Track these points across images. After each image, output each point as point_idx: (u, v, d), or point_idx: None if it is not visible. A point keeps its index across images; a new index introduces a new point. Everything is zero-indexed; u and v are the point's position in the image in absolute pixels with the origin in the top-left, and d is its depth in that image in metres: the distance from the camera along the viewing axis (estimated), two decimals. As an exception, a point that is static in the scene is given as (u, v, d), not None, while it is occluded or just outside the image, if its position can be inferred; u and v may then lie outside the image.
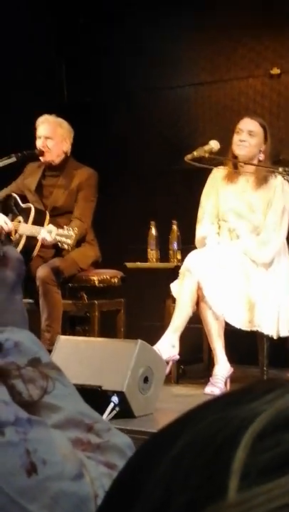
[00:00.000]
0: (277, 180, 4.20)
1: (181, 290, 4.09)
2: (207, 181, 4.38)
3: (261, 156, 4.25)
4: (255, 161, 4.24)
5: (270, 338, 4.09)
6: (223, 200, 4.29)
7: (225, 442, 0.32)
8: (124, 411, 3.33)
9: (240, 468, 0.30)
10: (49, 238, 4.32)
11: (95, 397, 3.30)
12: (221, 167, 4.35)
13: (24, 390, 0.86)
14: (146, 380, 3.46)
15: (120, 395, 3.33)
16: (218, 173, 4.34)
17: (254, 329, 4.04)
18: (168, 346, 4.03)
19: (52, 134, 4.74)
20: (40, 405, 0.87)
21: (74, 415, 0.87)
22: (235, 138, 4.23)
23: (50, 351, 3.87)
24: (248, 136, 4.21)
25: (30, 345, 0.94)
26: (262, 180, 4.22)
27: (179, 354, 4.08)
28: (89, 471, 0.80)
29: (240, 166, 4.28)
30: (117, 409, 3.31)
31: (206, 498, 0.30)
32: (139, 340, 3.49)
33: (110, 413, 3.28)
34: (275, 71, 5.11)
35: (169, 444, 0.34)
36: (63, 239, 4.29)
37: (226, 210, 4.28)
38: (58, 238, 4.30)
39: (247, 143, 4.21)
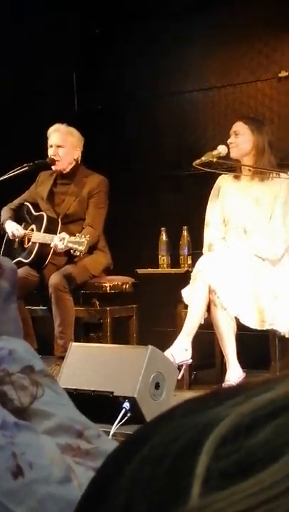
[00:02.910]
0: (283, 175, 4.23)
1: (193, 294, 4.10)
2: (212, 190, 4.42)
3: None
4: (251, 156, 4.24)
5: (281, 340, 4.10)
6: (229, 204, 4.31)
7: (188, 447, 0.32)
8: (136, 417, 3.34)
9: (203, 473, 0.30)
10: (61, 245, 4.36)
11: (106, 402, 3.33)
12: (227, 173, 4.38)
13: (15, 397, 0.88)
14: (157, 385, 3.47)
15: (132, 400, 3.34)
16: (222, 180, 4.38)
17: (268, 328, 4.04)
18: (181, 350, 4.04)
19: (63, 143, 4.78)
20: (32, 412, 0.88)
21: (65, 421, 0.89)
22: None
23: (63, 358, 3.90)
24: (234, 137, 4.29)
25: (24, 354, 0.96)
26: (267, 175, 4.25)
27: (191, 359, 4.09)
28: (77, 476, 0.81)
29: (249, 170, 4.30)
30: (129, 414, 3.32)
31: (169, 503, 0.30)
32: (150, 346, 3.50)
33: (122, 419, 3.29)
34: (284, 74, 5.11)
35: (134, 450, 0.34)
36: (75, 246, 4.32)
37: (233, 212, 4.30)
38: (70, 245, 4.33)
39: (234, 143, 4.28)
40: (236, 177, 4.33)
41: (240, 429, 0.32)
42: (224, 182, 4.37)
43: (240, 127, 4.28)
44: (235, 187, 4.32)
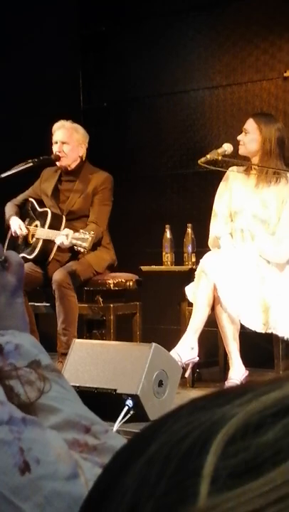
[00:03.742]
0: None
1: (198, 292, 4.08)
2: (222, 181, 4.39)
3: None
4: (258, 157, 4.22)
5: (285, 341, 4.08)
6: (237, 199, 4.29)
7: (195, 447, 0.31)
8: (139, 414, 3.33)
9: (210, 473, 0.30)
10: (66, 242, 4.36)
11: (109, 400, 3.32)
12: (235, 168, 4.36)
13: (22, 392, 0.87)
14: (160, 383, 3.46)
15: (135, 398, 3.34)
16: (232, 174, 4.35)
17: (269, 331, 4.03)
18: (187, 349, 4.04)
19: (68, 139, 4.77)
20: (39, 407, 0.88)
21: (72, 417, 0.88)
22: None
23: (66, 355, 3.90)
24: (243, 135, 4.26)
25: (31, 348, 0.95)
26: (275, 176, 4.21)
27: (198, 357, 4.08)
28: (84, 472, 0.80)
29: (254, 168, 4.28)
30: (132, 412, 3.32)
31: (176, 503, 0.30)
32: (154, 344, 3.50)
33: (125, 416, 3.29)
34: (289, 73, 5.10)
35: (140, 449, 0.33)
36: (79, 242, 4.32)
37: (239, 209, 4.27)
38: (74, 242, 4.33)
39: (242, 141, 4.26)
40: (246, 173, 4.30)
41: (249, 428, 0.31)
42: (234, 177, 4.33)
43: (249, 125, 4.25)
44: (244, 185, 4.29)
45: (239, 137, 4.26)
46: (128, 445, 0.36)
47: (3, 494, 0.73)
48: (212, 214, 4.36)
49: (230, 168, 4.36)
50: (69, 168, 4.82)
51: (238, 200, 4.27)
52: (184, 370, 4.06)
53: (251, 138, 4.22)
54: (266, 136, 4.17)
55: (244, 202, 4.25)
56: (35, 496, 0.74)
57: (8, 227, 4.89)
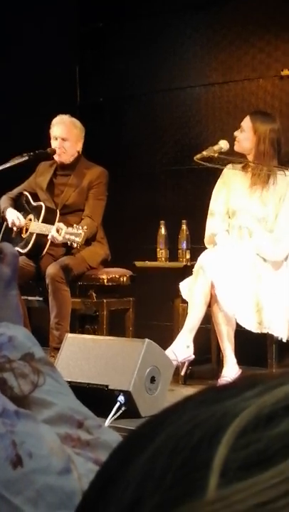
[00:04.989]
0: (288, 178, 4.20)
1: (195, 289, 4.07)
2: (219, 179, 4.38)
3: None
4: (252, 155, 4.22)
5: (279, 340, 4.08)
6: (234, 197, 4.28)
7: (204, 440, 0.31)
8: (131, 411, 3.33)
9: (220, 465, 0.29)
10: (58, 236, 4.35)
11: (101, 396, 3.31)
12: (231, 165, 4.35)
13: (15, 385, 0.86)
14: (153, 379, 3.46)
15: (126, 394, 3.33)
16: (229, 171, 4.34)
17: (264, 331, 4.02)
18: (183, 347, 4.03)
19: (68, 135, 4.76)
20: (32, 400, 0.87)
21: (65, 411, 0.87)
22: None
23: (58, 349, 3.89)
24: (239, 132, 4.26)
25: (24, 341, 0.94)
26: (268, 176, 4.20)
27: (194, 355, 4.08)
28: (77, 467, 0.79)
29: (249, 165, 4.27)
30: (124, 408, 3.31)
31: (183, 496, 0.29)
32: (146, 340, 3.49)
33: (116, 412, 3.28)
34: (286, 72, 5.10)
35: (145, 442, 0.33)
36: (72, 237, 4.31)
37: (237, 206, 4.26)
38: (68, 236, 4.32)
39: (237, 138, 4.26)
40: (244, 170, 4.30)
41: (260, 421, 0.31)
42: (231, 174, 4.32)
43: (245, 123, 4.25)
44: (242, 183, 4.28)
45: (235, 133, 4.26)
46: (126, 442, 0.35)
47: None
48: (208, 212, 4.34)
49: (227, 166, 4.35)
50: (65, 163, 4.81)
51: (236, 197, 4.26)
52: (180, 368, 4.06)
53: (246, 136, 4.21)
54: (260, 136, 4.16)
55: (242, 200, 4.24)
56: (27, 490, 0.73)
57: (4, 220, 4.87)
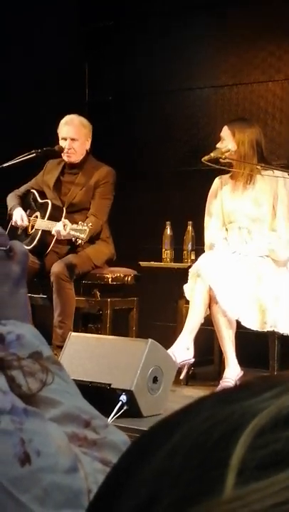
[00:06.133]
0: (277, 173, 4.23)
1: (193, 293, 4.09)
2: (209, 194, 4.41)
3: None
4: (235, 157, 4.25)
5: (281, 341, 4.09)
6: (227, 200, 4.31)
7: (222, 439, 0.31)
8: (133, 410, 3.33)
9: (238, 464, 0.30)
10: (63, 232, 4.35)
11: (103, 394, 3.32)
12: (218, 179, 4.39)
13: (24, 383, 0.86)
14: (155, 379, 3.46)
15: (129, 393, 3.33)
16: (218, 181, 4.37)
17: (269, 330, 4.03)
18: (183, 349, 4.03)
19: (77, 135, 4.76)
20: (39, 399, 0.87)
21: (72, 410, 0.87)
22: None
23: (61, 347, 3.89)
24: (220, 144, 4.28)
25: (32, 339, 0.95)
26: (250, 176, 4.24)
27: (193, 358, 4.08)
28: (84, 466, 0.80)
29: (234, 169, 4.31)
30: (125, 407, 3.32)
31: (200, 494, 0.29)
32: (150, 340, 3.49)
33: (118, 411, 3.28)
34: (296, 76, 5.10)
35: (161, 440, 0.33)
36: (77, 233, 4.31)
37: (231, 208, 4.29)
38: (72, 232, 4.32)
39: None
40: (233, 177, 4.33)
41: (279, 421, 0.31)
42: (222, 183, 4.37)
43: (223, 132, 4.31)
44: (233, 189, 4.31)
45: (218, 145, 4.28)
46: (141, 440, 0.36)
47: (2, 484, 0.73)
48: (205, 221, 4.39)
49: (217, 178, 4.39)
50: (74, 162, 4.82)
51: (229, 201, 4.31)
52: (180, 370, 4.06)
53: (226, 144, 4.25)
54: (239, 140, 4.20)
55: (237, 207, 4.28)
56: (34, 487, 0.74)
57: (10, 218, 4.88)
